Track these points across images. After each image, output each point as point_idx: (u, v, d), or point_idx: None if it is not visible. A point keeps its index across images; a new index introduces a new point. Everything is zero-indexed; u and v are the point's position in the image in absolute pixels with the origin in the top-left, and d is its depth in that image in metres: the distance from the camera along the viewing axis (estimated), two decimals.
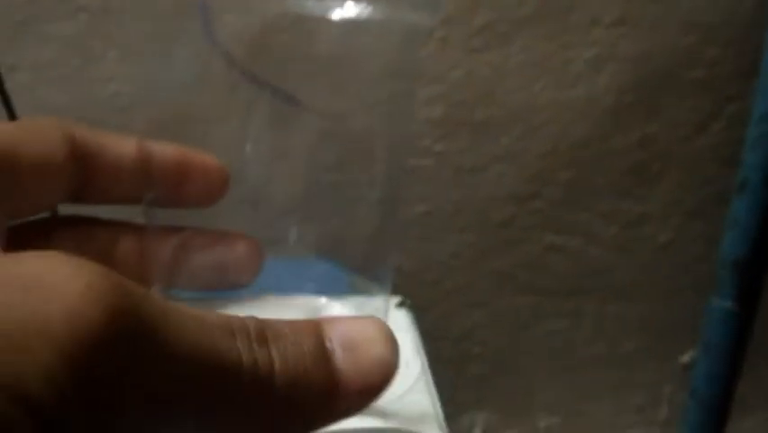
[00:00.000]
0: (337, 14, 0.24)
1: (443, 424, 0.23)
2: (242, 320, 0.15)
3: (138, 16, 0.54)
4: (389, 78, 0.25)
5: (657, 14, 0.60)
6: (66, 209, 0.25)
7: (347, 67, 0.24)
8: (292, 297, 0.29)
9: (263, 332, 0.15)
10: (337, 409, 0.16)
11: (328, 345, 0.15)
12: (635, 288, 0.69)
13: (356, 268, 0.26)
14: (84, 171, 0.22)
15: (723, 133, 0.64)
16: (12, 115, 0.46)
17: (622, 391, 0.74)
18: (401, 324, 0.28)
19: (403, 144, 0.26)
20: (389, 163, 0.25)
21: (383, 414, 0.23)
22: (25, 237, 0.22)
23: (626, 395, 0.74)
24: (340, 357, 0.16)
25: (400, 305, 0.31)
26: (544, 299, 0.68)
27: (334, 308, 0.28)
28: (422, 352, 0.27)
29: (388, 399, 0.24)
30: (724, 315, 0.62)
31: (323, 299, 0.28)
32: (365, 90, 0.25)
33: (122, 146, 0.23)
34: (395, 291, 0.28)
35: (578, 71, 0.61)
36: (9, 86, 0.54)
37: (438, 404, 0.24)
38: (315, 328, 0.16)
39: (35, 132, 0.21)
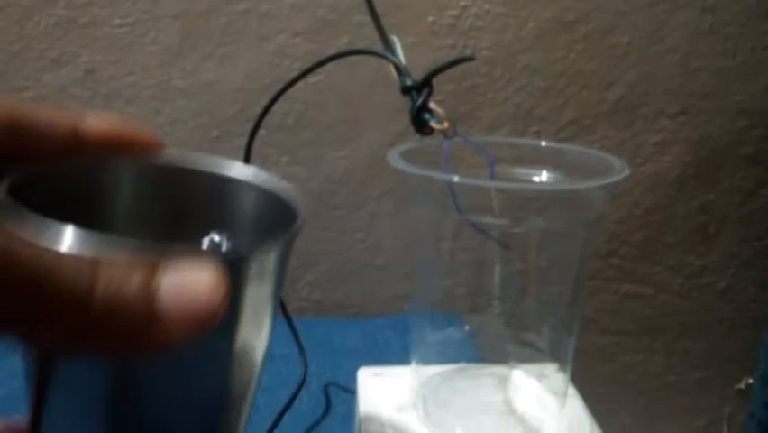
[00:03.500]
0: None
1: None
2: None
3: (305, 128, 0.68)
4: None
5: (712, 106, 0.73)
6: None
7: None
8: (486, 365, 0.42)
9: (96, 258, 0.16)
10: (155, 337, 0.16)
11: (155, 282, 0.16)
12: (699, 327, 0.81)
13: (546, 350, 0.40)
14: (14, 140, 0.21)
15: None
16: None
17: (689, 414, 0.86)
18: (571, 391, 0.41)
19: (586, 259, 0.39)
20: (578, 274, 0.39)
21: None
22: None
23: (692, 417, 0.86)
24: (164, 294, 0.16)
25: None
26: (623, 337, 0.81)
27: (520, 377, 0.41)
28: (588, 411, 0.40)
29: None
30: None
31: (510, 369, 0.42)
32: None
33: (56, 117, 0.23)
34: None
35: (647, 152, 0.74)
36: None
37: None
38: (150, 268, 0.16)
39: None
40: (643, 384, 0.83)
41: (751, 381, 0.83)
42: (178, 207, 0.24)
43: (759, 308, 0.80)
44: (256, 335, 0.20)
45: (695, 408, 0.86)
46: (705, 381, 0.84)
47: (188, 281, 0.16)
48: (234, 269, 0.17)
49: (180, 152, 0.25)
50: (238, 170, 0.25)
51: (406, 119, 0.39)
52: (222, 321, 0.17)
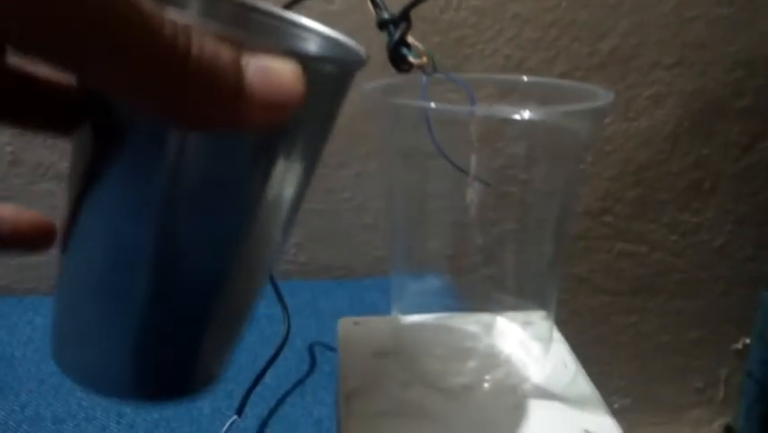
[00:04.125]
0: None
1: (605, 405, 0.34)
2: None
3: None
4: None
5: (708, 56, 0.71)
6: None
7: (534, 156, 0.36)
8: (469, 314, 0.41)
9: (189, 24, 0.16)
10: (239, 113, 0.17)
11: (244, 61, 0.17)
12: (694, 286, 0.80)
13: (530, 297, 0.38)
14: None
15: (767, 151, 0.75)
16: None
17: (684, 375, 0.85)
18: (556, 336, 0.40)
19: (573, 202, 0.38)
20: (561, 218, 0.37)
21: (561, 401, 0.34)
22: None
23: (688, 379, 0.85)
24: (251, 73, 0.17)
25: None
26: (616, 298, 0.79)
27: (504, 324, 0.40)
28: (573, 355, 0.38)
29: (558, 389, 0.34)
30: None
31: (494, 316, 0.40)
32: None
33: None
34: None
35: (641, 106, 0.72)
36: None
37: (597, 391, 0.35)
38: (239, 48, 0.17)
39: None
40: (637, 346, 0.82)
41: (748, 341, 0.82)
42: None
43: (756, 266, 0.79)
44: (306, 155, 0.21)
45: (690, 369, 0.84)
46: (700, 341, 0.83)
47: (273, 67, 0.17)
48: (310, 68, 0.18)
49: None
50: (302, 18, 0.26)
51: (391, 73, 0.37)
52: (288, 123, 0.18)
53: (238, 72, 0.17)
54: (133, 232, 0.19)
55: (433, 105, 0.32)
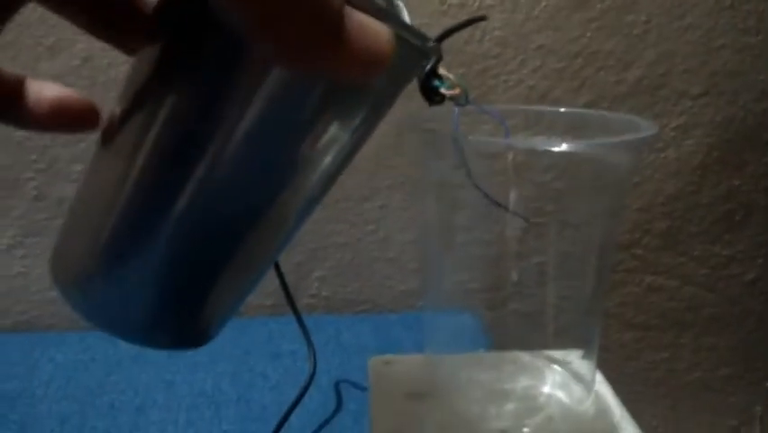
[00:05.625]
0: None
1: None
2: None
3: None
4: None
5: (737, 85, 0.70)
6: None
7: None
8: (505, 351, 0.39)
9: None
10: (332, 59, 0.17)
11: (347, 10, 0.17)
12: (726, 321, 0.78)
13: (570, 336, 0.37)
14: None
15: None
16: None
17: (718, 413, 0.82)
18: (598, 378, 0.38)
19: (613, 236, 0.36)
20: (601, 251, 0.36)
21: None
22: None
23: (722, 417, 0.82)
24: (352, 25, 0.17)
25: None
26: (647, 333, 0.77)
27: (543, 363, 0.38)
28: (618, 398, 0.36)
29: (608, 426, 0.33)
30: None
31: (532, 355, 0.39)
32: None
33: None
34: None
35: (669, 136, 0.71)
36: None
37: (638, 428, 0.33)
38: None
39: None
40: (668, 382, 0.79)
41: None
42: None
43: None
44: (357, 131, 0.21)
45: (724, 406, 0.81)
46: (733, 378, 0.80)
47: (372, 25, 0.17)
48: (400, 38, 0.18)
49: None
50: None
51: (415, 105, 0.36)
52: (362, 92, 0.19)
53: (341, 19, 0.17)
54: (183, 150, 0.19)
55: (470, 138, 0.31)
